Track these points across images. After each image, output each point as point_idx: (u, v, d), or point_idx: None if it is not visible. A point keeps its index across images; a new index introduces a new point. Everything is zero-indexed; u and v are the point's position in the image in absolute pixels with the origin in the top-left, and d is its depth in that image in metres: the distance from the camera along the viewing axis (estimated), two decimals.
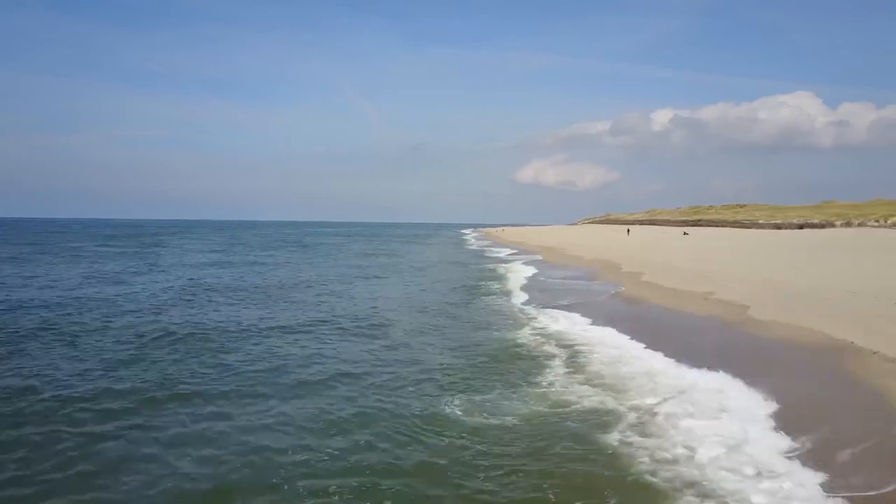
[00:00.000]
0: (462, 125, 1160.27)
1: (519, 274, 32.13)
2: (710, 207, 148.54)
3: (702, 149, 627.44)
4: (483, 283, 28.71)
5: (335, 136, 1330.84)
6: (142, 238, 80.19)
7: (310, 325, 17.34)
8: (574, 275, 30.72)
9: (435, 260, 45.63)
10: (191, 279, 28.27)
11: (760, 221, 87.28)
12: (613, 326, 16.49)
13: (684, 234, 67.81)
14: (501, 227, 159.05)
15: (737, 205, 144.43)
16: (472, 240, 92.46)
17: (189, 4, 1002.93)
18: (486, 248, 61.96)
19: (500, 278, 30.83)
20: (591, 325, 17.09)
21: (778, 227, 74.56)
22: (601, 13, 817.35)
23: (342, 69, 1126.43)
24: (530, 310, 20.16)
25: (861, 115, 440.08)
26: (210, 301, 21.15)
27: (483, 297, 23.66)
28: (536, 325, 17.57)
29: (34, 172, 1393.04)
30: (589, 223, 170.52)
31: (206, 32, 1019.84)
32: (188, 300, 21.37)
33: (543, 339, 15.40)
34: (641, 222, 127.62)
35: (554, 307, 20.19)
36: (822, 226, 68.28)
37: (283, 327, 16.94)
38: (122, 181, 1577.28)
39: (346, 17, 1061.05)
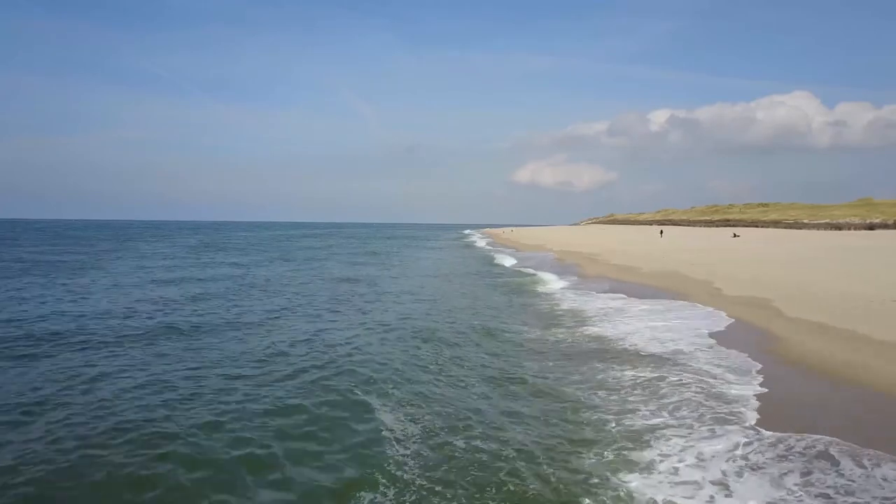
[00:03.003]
0: (459, 126, 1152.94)
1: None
2: (731, 206, 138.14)
3: (699, 149, 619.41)
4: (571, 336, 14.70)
5: (333, 138, 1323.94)
6: (104, 243, 69.10)
7: None
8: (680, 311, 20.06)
9: (451, 277, 32.33)
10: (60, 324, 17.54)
11: (805, 221, 76.94)
12: None
13: (734, 235, 57.21)
14: (510, 229, 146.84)
15: (759, 204, 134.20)
16: (484, 245, 72.52)
17: (189, 6, 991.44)
18: (507, 258, 50.95)
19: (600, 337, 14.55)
20: None
21: (837, 227, 64.00)
22: (599, 15, 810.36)
23: (340, 71, 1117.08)
24: None
25: (858, 115, 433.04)
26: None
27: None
28: None
29: (35, 174, 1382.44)
30: (594, 223, 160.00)
31: (207, 34, 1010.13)
32: None
33: None
34: (660, 223, 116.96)
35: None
36: (894, 226, 57.78)
37: None
38: (122, 183, 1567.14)
39: (344, 19, 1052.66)
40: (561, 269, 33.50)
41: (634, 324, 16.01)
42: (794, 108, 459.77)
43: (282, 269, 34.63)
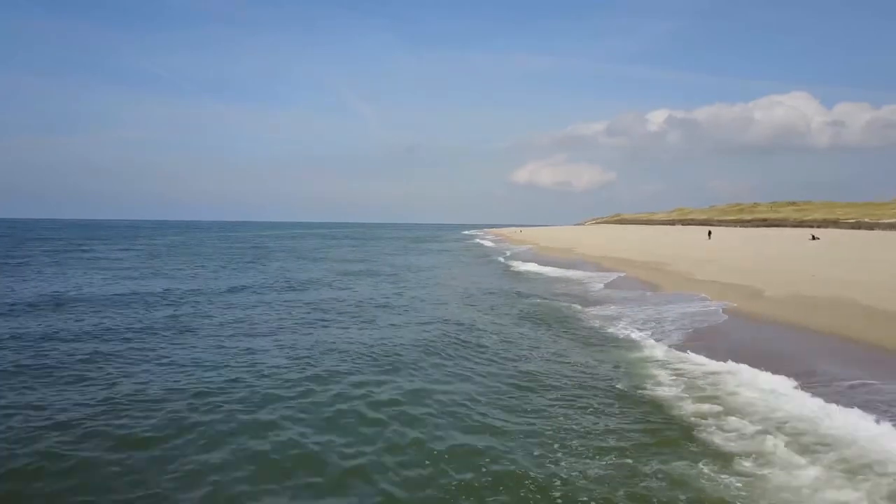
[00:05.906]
0: (459, 126, 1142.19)
1: None
2: (756, 205, 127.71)
3: (699, 149, 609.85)
4: None
5: (333, 138, 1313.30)
6: (54, 244, 57.99)
7: None
8: None
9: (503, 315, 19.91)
10: None
11: (867, 220, 66.08)
12: None
13: (812, 238, 46.20)
14: (518, 229, 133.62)
15: (787, 202, 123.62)
16: (500, 249, 55.81)
17: (189, 6, 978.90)
18: (552, 269, 39.29)
19: None
20: None
21: None
22: (599, 15, 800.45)
23: (340, 71, 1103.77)
24: None
25: (857, 115, 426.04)
26: None
27: None
28: None
29: (35, 173, 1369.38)
30: (599, 223, 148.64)
31: (207, 34, 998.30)
32: None
33: None
34: (683, 223, 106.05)
35: None
36: None
37: None
38: (122, 183, 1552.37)
39: (344, 19, 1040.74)
40: (643, 291, 22.41)
41: None
42: (793, 109, 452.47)
43: (231, 299, 23.36)
